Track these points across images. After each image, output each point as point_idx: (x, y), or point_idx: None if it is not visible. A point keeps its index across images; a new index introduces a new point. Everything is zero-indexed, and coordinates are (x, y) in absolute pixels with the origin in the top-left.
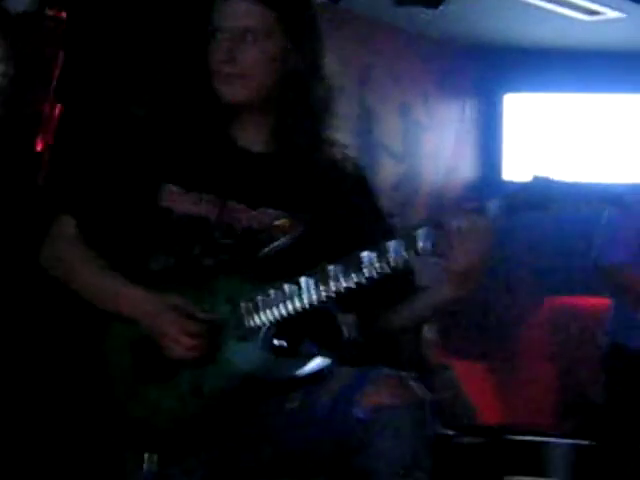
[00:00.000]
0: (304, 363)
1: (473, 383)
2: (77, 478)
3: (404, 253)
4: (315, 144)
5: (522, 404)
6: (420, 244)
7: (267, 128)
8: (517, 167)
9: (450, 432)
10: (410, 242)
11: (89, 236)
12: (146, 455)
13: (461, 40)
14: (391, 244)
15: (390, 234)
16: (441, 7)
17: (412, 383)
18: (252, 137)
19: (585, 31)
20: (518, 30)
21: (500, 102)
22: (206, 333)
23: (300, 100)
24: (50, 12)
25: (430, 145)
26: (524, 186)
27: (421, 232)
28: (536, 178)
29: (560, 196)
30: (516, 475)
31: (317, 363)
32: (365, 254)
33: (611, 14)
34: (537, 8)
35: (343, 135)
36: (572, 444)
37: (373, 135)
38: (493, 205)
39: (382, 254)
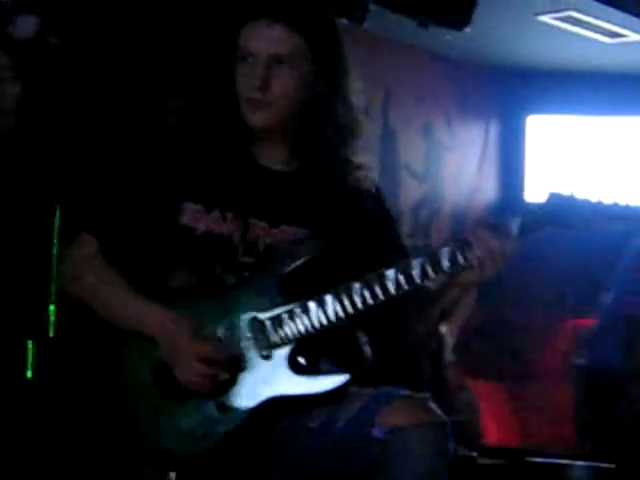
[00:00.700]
0: (325, 381)
1: (491, 404)
2: None
3: (429, 271)
4: (335, 164)
5: (541, 425)
6: (444, 262)
7: (288, 147)
8: (539, 189)
9: (472, 453)
10: (434, 260)
11: (110, 254)
12: (168, 474)
13: (484, 61)
14: (416, 262)
15: (406, 254)
16: (467, 29)
17: (431, 404)
18: (273, 155)
19: (607, 53)
20: (541, 52)
21: (523, 123)
22: (221, 361)
23: (322, 121)
24: (52, 39)
25: (452, 166)
26: (544, 203)
27: (445, 250)
28: (552, 195)
29: (581, 213)
30: None
31: (337, 381)
32: (390, 272)
33: (634, 37)
34: (560, 30)
35: (365, 156)
36: (591, 466)
37: (395, 155)
38: (515, 222)
39: (406, 272)
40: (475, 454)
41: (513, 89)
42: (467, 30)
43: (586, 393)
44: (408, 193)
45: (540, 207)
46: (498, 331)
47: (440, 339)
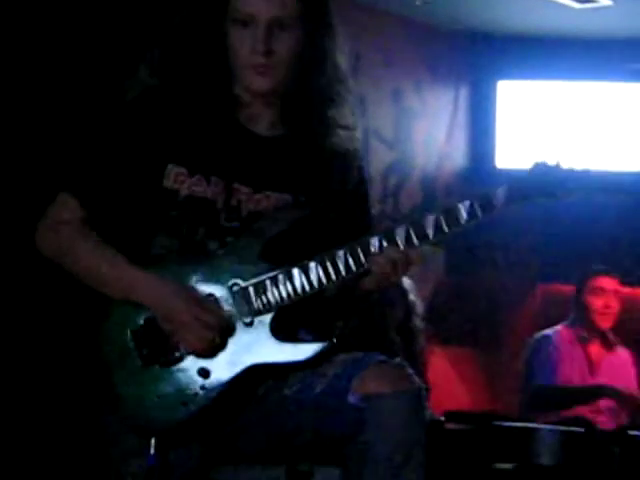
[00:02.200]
0: (306, 348)
1: (463, 369)
2: (75, 462)
3: (413, 238)
4: (323, 129)
5: (511, 391)
6: (429, 230)
7: (275, 112)
8: (509, 154)
9: (440, 418)
10: (418, 227)
11: (92, 218)
12: (151, 440)
13: (454, 26)
14: (401, 231)
15: (372, 224)
16: None
17: (406, 370)
18: (259, 121)
19: (577, 19)
20: (511, 17)
21: (493, 89)
22: (219, 326)
23: (312, 84)
24: None
25: (422, 132)
26: (529, 173)
27: (430, 218)
28: (537, 165)
29: (567, 184)
30: (506, 462)
31: (318, 348)
32: (374, 239)
33: (603, 2)
34: None
35: (352, 117)
36: (560, 431)
37: (365, 121)
38: (501, 193)
39: (391, 240)
40: (443, 419)
41: (483, 54)
42: None
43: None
44: (377, 159)
45: (526, 177)
46: (468, 297)
47: (409, 307)
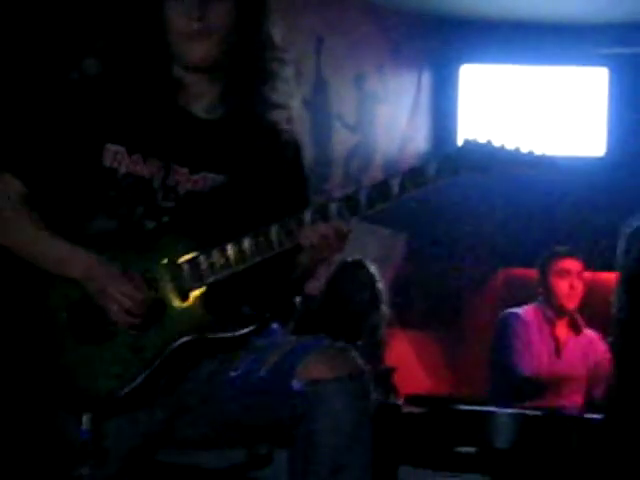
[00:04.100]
0: (241, 323)
1: (424, 353)
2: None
3: (347, 215)
4: (262, 109)
5: (473, 374)
6: (361, 205)
7: (213, 94)
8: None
9: (398, 402)
10: (352, 204)
11: (31, 197)
12: (83, 415)
13: (417, 10)
14: (333, 206)
15: (309, 202)
16: None
17: (350, 354)
18: (198, 102)
19: (541, 3)
20: (475, 1)
21: (456, 73)
22: (149, 299)
23: (249, 65)
24: None
25: (384, 116)
26: (459, 148)
27: (362, 194)
28: (467, 141)
29: (500, 158)
30: (462, 445)
31: (251, 324)
32: (307, 214)
33: None
34: None
35: (290, 97)
36: (518, 414)
37: (327, 105)
38: (431, 166)
39: (324, 214)
40: (400, 402)
41: (446, 38)
42: None
43: None
44: (340, 143)
45: (456, 152)
46: (429, 281)
47: (376, 294)
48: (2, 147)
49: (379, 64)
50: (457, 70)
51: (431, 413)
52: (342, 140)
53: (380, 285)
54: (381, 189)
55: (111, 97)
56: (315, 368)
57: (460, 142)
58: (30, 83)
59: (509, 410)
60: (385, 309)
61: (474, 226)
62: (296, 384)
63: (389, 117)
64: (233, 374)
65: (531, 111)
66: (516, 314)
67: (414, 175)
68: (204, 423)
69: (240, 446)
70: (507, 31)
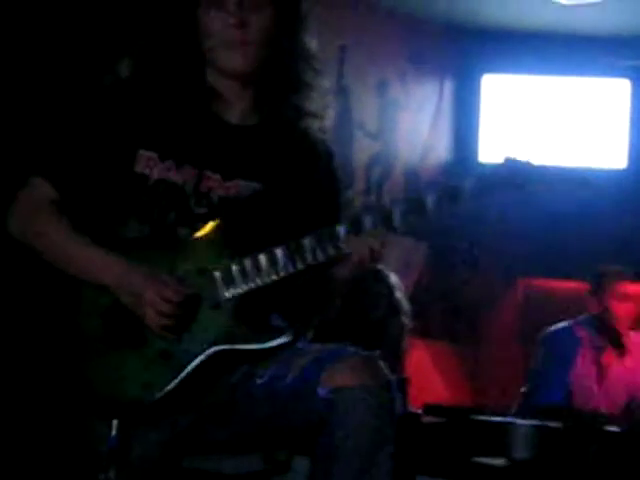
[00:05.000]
0: (273, 335)
1: (442, 363)
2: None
3: (381, 229)
4: (295, 118)
5: (491, 385)
6: (396, 220)
7: (247, 101)
8: (493, 148)
9: (418, 411)
10: (386, 218)
11: (63, 202)
12: (112, 422)
13: (440, 19)
14: (368, 219)
15: (341, 213)
16: None
17: (377, 363)
18: (231, 109)
19: (563, 14)
20: (498, 11)
21: (478, 82)
22: (182, 303)
23: (284, 74)
24: None
25: (406, 124)
26: (498, 166)
27: (396, 208)
28: (508, 159)
29: (534, 177)
30: (481, 456)
31: (284, 336)
32: (342, 227)
33: None
34: None
35: (322, 106)
36: (538, 425)
37: (349, 113)
38: (468, 184)
39: (358, 228)
40: (420, 412)
41: (468, 48)
42: None
43: None
44: (361, 151)
45: (493, 170)
46: (448, 291)
47: (395, 304)
48: (33, 151)
49: (401, 72)
50: (479, 80)
51: (450, 423)
52: (363, 148)
53: (400, 295)
54: (416, 204)
55: (144, 102)
56: (340, 375)
57: (481, 153)
58: (64, 86)
59: (527, 421)
60: (405, 319)
61: (493, 235)
62: (321, 391)
63: (411, 125)
64: (259, 381)
65: (552, 122)
66: (568, 329)
67: (451, 192)
68: (228, 429)
69: (260, 452)
70: (529, 41)
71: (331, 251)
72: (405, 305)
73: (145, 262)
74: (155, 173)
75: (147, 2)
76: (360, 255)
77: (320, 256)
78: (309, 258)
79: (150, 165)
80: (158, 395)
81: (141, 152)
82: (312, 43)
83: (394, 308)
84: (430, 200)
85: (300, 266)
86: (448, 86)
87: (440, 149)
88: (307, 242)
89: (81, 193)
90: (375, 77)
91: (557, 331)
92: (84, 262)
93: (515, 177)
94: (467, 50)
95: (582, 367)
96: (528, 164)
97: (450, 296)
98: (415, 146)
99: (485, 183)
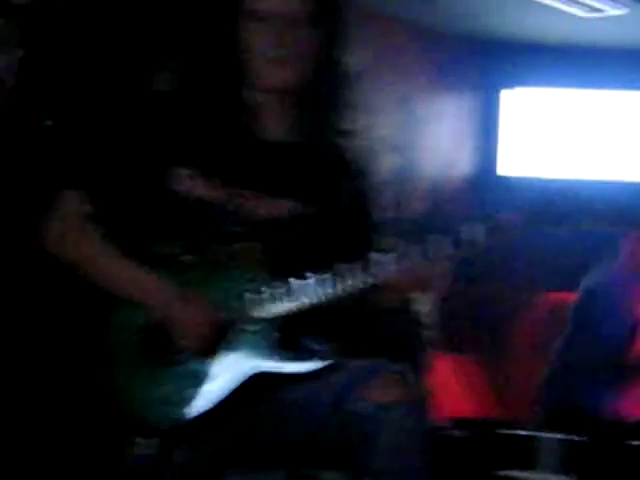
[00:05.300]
0: (307, 358)
1: (466, 377)
2: (76, 459)
3: (418, 257)
4: (333, 137)
5: (514, 398)
6: (431, 250)
7: (285, 119)
8: (513, 162)
9: (444, 425)
10: (424, 248)
11: (98, 217)
12: (145, 440)
13: (461, 33)
14: (410, 247)
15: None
16: None
17: (413, 379)
18: (269, 127)
19: (584, 28)
20: (519, 25)
21: (498, 96)
22: (216, 326)
23: (324, 92)
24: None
25: (428, 138)
26: (543, 200)
27: (432, 238)
28: (554, 193)
29: (579, 213)
30: (507, 469)
31: (322, 360)
32: (376, 255)
33: (612, 11)
34: (538, 4)
35: (362, 129)
36: (563, 439)
37: (372, 128)
38: (510, 219)
39: (404, 256)
40: (446, 426)
41: (490, 62)
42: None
43: None
44: (383, 165)
45: (544, 204)
46: (472, 304)
47: (416, 317)
48: (68, 163)
49: (423, 86)
50: (499, 93)
51: (476, 437)
52: (386, 162)
53: (421, 308)
54: (456, 237)
55: (182, 117)
56: (378, 391)
57: (505, 167)
58: (102, 97)
59: (554, 435)
60: (427, 332)
61: (518, 249)
62: (361, 407)
63: (433, 139)
64: (293, 396)
65: (572, 135)
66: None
67: (490, 226)
68: (262, 445)
69: (289, 468)
70: (549, 55)
71: (367, 278)
72: (426, 318)
73: (179, 280)
74: (190, 191)
75: (188, 13)
76: (403, 282)
77: (356, 283)
78: (347, 283)
79: (186, 183)
80: (194, 416)
81: (177, 169)
82: (353, 61)
83: (415, 322)
84: (479, 231)
85: (338, 291)
86: (469, 100)
87: (462, 163)
88: (349, 267)
89: (116, 207)
90: (397, 91)
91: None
92: (119, 278)
93: (558, 214)
94: (487, 64)
95: None
96: (573, 199)
97: (475, 309)
98: (437, 160)
99: (526, 219)
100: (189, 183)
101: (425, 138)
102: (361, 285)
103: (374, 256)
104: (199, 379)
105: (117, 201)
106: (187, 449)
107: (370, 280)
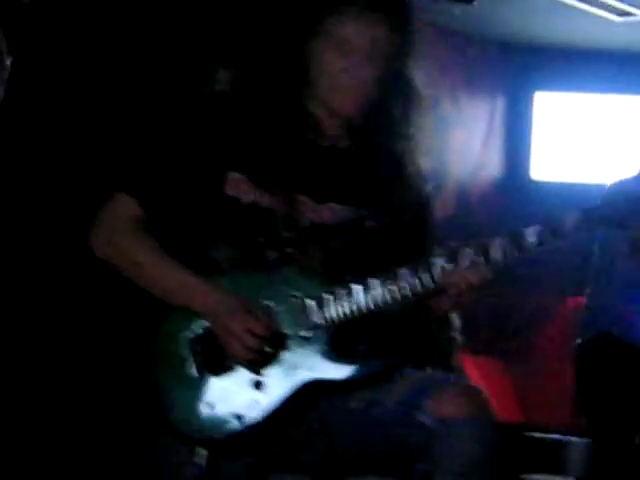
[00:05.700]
0: (365, 364)
1: (492, 381)
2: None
3: (478, 261)
4: (390, 141)
5: (540, 402)
6: (493, 254)
7: (342, 124)
8: (544, 166)
9: None
10: (484, 252)
11: (150, 222)
12: (199, 450)
13: (492, 37)
14: (467, 253)
15: (433, 242)
16: (475, 3)
17: (482, 394)
18: (325, 133)
19: (615, 32)
20: (549, 29)
21: (529, 100)
22: (269, 338)
23: (385, 107)
24: None
25: (458, 141)
26: (603, 201)
27: (496, 242)
28: (610, 193)
29: (636, 219)
30: (534, 473)
31: (377, 366)
32: (436, 260)
33: None
34: (569, 7)
35: (420, 135)
36: (589, 442)
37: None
38: (571, 220)
39: (456, 262)
40: None
41: (520, 65)
42: (475, 4)
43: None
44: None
45: (598, 205)
46: (498, 309)
47: (445, 320)
48: (120, 166)
49: (452, 89)
50: (531, 97)
51: (505, 439)
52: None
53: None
54: (517, 239)
55: (238, 121)
56: (446, 404)
57: (533, 170)
58: (155, 98)
59: (581, 439)
60: (456, 335)
61: (542, 253)
62: (426, 419)
63: (462, 142)
64: (354, 404)
65: (604, 139)
66: None
67: (553, 226)
68: (320, 452)
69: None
70: (581, 59)
71: (427, 283)
72: (456, 321)
73: (233, 286)
74: (244, 196)
75: (253, 15)
76: (458, 289)
77: (416, 288)
78: (404, 289)
79: (240, 188)
80: (247, 425)
81: (231, 174)
82: (417, 77)
83: (444, 325)
84: (533, 235)
85: (395, 297)
86: (500, 103)
87: (491, 166)
88: (404, 273)
89: (167, 211)
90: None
91: None
92: (170, 284)
93: (620, 217)
94: (519, 67)
95: None
96: (632, 200)
97: (500, 312)
98: (467, 163)
99: (588, 219)
100: (242, 187)
101: (455, 141)
102: (421, 290)
103: (435, 260)
104: (251, 389)
105: (167, 204)
106: (239, 460)
107: (430, 284)
